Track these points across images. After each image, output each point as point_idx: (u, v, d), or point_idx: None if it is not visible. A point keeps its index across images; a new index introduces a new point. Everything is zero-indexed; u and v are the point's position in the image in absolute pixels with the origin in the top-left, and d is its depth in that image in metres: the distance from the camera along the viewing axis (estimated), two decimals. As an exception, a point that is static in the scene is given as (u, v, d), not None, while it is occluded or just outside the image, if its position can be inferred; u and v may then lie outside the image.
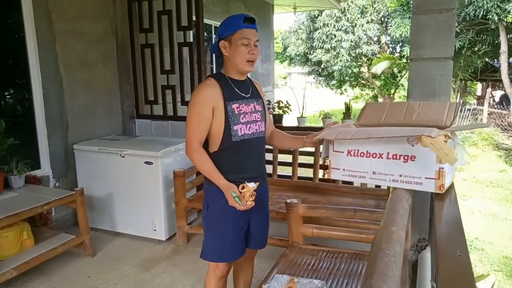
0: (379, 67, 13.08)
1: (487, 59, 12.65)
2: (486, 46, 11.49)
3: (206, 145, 1.70)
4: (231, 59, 1.64)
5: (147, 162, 3.01)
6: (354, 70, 14.94)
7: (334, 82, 16.03)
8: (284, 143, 1.91)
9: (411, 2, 2.87)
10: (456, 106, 1.48)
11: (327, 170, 3.59)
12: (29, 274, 2.56)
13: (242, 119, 1.65)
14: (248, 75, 1.77)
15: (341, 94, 16.56)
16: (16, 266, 2.37)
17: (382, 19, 14.59)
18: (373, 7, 14.09)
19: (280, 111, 4.08)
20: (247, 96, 1.69)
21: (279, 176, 3.41)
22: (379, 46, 15.26)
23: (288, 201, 2.14)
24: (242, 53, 1.60)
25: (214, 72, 6.39)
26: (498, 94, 14.95)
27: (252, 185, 1.58)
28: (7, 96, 3.24)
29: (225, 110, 1.61)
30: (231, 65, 1.66)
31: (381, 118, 1.59)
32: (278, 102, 4.08)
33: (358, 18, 14.01)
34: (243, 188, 1.58)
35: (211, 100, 1.60)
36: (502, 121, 12.27)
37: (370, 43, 14.68)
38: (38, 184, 3.03)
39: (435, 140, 1.23)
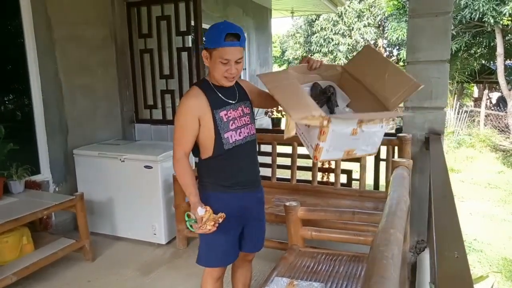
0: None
1: (483, 62, 12.72)
2: (483, 49, 11.57)
3: (197, 151, 1.70)
4: (211, 71, 1.62)
5: (146, 166, 3.02)
6: (352, 73, 14.99)
7: (332, 85, 16.06)
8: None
9: (408, 6, 2.90)
10: (413, 88, 1.50)
11: (326, 173, 3.61)
12: (29, 279, 2.56)
13: (232, 125, 1.64)
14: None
15: (339, 97, 16.57)
16: (16, 271, 2.37)
17: (379, 22, 14.68)
18: (369, 11, 14.19)
19: (279, 115, 4.11)
20: (233, 102, 1.67)
21: (278, 179, 3.42)
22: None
23: (287, 204, 2.15)
24: (219, 70, 1.57)
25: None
26: (495, 96, 15.02)
27: (200, 213, 1.53)
28: (7, 102, 3.25)
29: (213, 119, 1.60)
30: (212, 75, 1.64)
31: (365, 74, 1.65)
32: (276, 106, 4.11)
33: (355, 22, 14.11)
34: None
35: (196, 111, 1.59)
36: (499, 122, 12.32)
37: (368, 46, 14.75)
38: (38, 189, 3.03)
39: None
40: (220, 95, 1.64)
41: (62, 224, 3.30)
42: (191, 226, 1.58)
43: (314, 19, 14.83)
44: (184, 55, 3.70)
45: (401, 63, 12.99)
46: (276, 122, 4.03)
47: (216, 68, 1.57)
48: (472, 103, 14.79)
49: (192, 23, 3.57)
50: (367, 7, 14.09)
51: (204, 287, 1.87)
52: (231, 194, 1.68)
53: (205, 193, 1.69)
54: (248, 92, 1.79)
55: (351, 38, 14.15)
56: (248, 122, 1.71)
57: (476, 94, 16.32)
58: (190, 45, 3.93)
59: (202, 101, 1.61)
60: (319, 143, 1.42)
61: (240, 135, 1.66)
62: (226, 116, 1.63)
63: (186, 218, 1.59)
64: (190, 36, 3.83)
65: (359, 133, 1.46)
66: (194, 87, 1.66)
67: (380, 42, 15.60)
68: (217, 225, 1.56)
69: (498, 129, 12.06)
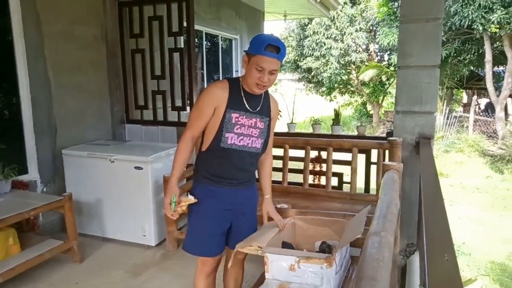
0: (367, 75, 13.25)
1: (472, 68, 12.92)
2: (472, 55, 11.75)
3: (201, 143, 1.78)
4: (245, 75, 1.69)
5: (137, 167, 2.99)
6: (343, 78, 15.10)
7: (323, 89, 16.15)
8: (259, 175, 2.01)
9: (399, 12, 2.93)
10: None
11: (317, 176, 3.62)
12: (15, 281, 2.51)
13: (237, 129, 1.69)
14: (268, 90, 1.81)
15: (330, 101, 16.70)
16: (2, 272, 2.32)
17: (371, 27, 14.81)
18: (361, 16, 14.31)
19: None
20: (253, 110, 1.73)
21: (269, 181, 3.41)
22: (367, 54, 15.47)
23: (278, 206, 2.14)
24: (253, 76, 1.64)
25: (205, 77, 6.36)
26: (483, 101, 15.24)
27: (190, 198, 1.70)
28: (-6, 100, 3.19)
29: (223, 116, 1.67)
30: (245, 79, 1.70)
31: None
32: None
33: (347, 26, 14.20)
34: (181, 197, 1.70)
35: (215, 101, 1.68)
36: (487, 128, 12.50)
37: (359, 51, 14.88)
38: (25, 189, 2.98)
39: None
40: (243, 98, 1.71)
41: (49, 225, 3.24)
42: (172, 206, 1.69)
43: (306, 23, 14.91)
44: (176, 55, 3.68)
45: (392, 68, 13.13)
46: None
47: (251, 74, 1.64)
48: (461, 109, 15.00)
49: (185, 24, 3.56)
50: (359, 12, 14.20)
51: (197, 284, 1.88)
52: (220, 189, 1.76)
53: (198, 183, 1.79)
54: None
55: (343, 43, 14.24)
56: (255, 135, 1.74)
57: (465, 100, 16.55)
58: (182, 46, 3.91)
59: (223, 95, 1.68)
60: (265, 274, 1.63)
61: (240, 142, 1.71)
62: (236, 119, 1.69)
63: (174, 200, 1.68)
64: (182, 37, 3.81)
65: (297, 270, 1.58)
66: (225, 80, 1.74)
67: (372, 47, 15.73)
68: (180, 211, 1.70)
69: (487, 135, 12.23)
